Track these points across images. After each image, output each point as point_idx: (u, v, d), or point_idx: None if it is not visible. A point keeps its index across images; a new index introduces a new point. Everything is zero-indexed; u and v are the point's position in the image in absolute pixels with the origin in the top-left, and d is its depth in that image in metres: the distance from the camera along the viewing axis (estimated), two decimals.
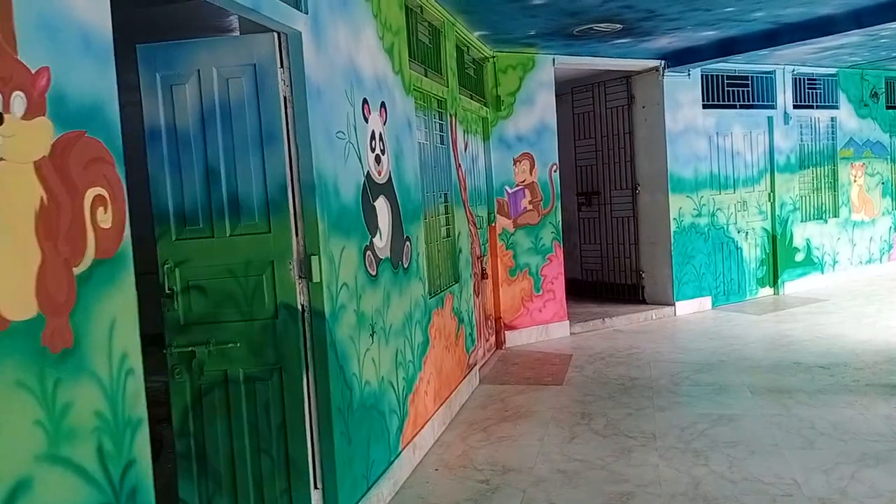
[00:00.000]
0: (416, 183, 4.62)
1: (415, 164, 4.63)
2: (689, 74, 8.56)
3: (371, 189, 3.83)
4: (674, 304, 8.60)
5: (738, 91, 9.12)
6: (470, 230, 6.27)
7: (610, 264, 9.32)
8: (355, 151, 3.65)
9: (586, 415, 5.07)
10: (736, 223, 9.20)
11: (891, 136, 10.81)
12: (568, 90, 9.50)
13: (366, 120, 3.81)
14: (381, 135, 4.02)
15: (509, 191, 7.36)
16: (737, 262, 9.24)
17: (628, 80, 8.79)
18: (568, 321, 7.80)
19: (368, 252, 3.74)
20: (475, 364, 6.02)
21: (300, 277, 3.26)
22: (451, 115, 5.63)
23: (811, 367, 5.96)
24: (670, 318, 8.45)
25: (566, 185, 9.45)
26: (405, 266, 4.31)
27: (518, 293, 7.44)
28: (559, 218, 7.67)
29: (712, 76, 8.88)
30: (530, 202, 7.48)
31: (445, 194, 5.53)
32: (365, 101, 3.81)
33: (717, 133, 9.03)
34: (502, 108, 7.27)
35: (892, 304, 8.40)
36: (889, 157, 10.81)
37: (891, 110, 10.78)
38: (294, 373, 3.29)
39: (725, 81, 9.00)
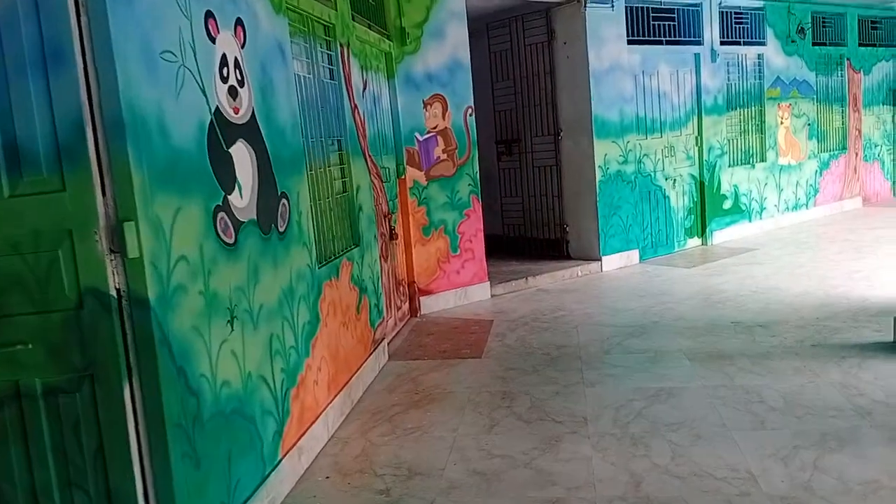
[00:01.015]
0: (294, 126, 3.73)
1: (292, 102, 3.73)
2: (612, 6, 7.83)
3: (223, 131, 2.93)
4: (600, 259, 8.02)
5: (663, 26, 8.47)
6: (373, 183, 5.42)
7: (533, 218, 8.64)
8: (195, 80, 2.73)
9: (508, 395, 4.38)
10: (663, 170, 8.65)
11: (817, 75, 10.45)
12: (483, 27, 8.64)
13: (212, 40, 2.89)
14: (237, 61, 3.10)
15: (420, 138, 6.52)
16: (664, 212, 8.72)
17: (548, 14, 8.00)
18: (489, 282, 7.10)
19: (221, 214, 2.86)
20: (383, 338, 5.24)
21: (112, 252, 2.37)
22: (342, 45, 4.72)
23: (750, 326, 5.45)
24: (597, 275, 7.87)
25: (484, 132, 8.66)
26: (281, 230, 3.45)
27: (433, 254, 6.66)
28: (476, 168, 6.89)
29: (637, 9, 8.18)
30: (444, 151, 6.66)
31: (339, 141, 4.65)
32: (210, 16, 2.88)
33: (643, 72, 8.38)
34: (408, 41, 6.36)
35: (823, 253, 8.05)
36: (815, 96, 10.46)
37: (817, 47, 10.40)
38: (110, 381, 2.42)
39: (651, 15, 8.33)
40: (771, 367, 4.51)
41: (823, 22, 10.51)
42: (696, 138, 8.95)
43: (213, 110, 2.86)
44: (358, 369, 4.53)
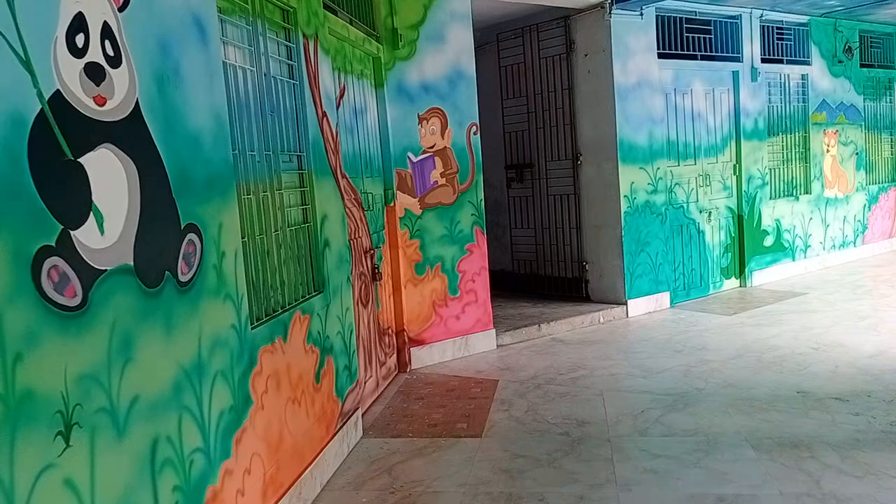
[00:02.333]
0: (218, 132, 2.68)
1: (215, 100, 2.68)
2: (641, 14, 6.81)
3: (68, 129, 1.87)
4: (625, 303, 6.89)
5: (698, 39, 7.43)
6: (349, 212, 4.37)
7: (547, 254, 7.54)
8: (7, 45, 1.68)
9: (514, 500, 3.25)
10: (697, 201, 7.55)
11: (864, 99, 9.35)
12: (493, 38, 7.64)
13: None
14: (109, 29, 2.06)
15: (414, 159, 5.47)
16: (698, 249, 7.61)
17: (567, 23, 6.99)
18: (494, 330, 5.98)
19: (54, 261, 1.79)
20: (356, 409, 4.14)
21: None
22: (306, 38, 3.69)
23: (822, 399, 4.30)
24: (622, 322, 6.74)
25: (493, 156, 7.62)
26: (183, 279, 2.38)
27: (428, 296, 5.58)
28: (481, 196, 5.82)
29: (669, 18, 7.16)
30: (443, 174, 5.61)
31: (298, 157, 3.60)
32: None
33: (675, 90, 7.33)
34: (401, 45, 5.34)
35: (886, 300, 6.89)
36: (863, 123, 9.36)
37: (865, 69, 9.31)
38: None
39: (684, 26, 7.29)
40: (867, 464, 3.36)
41: (871, 42, 9.45)
42: (735, 166, 7.86)
43: (47, 96, 1.80)
44: (314, 459, 3.42)
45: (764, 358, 5.25)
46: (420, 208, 5.51)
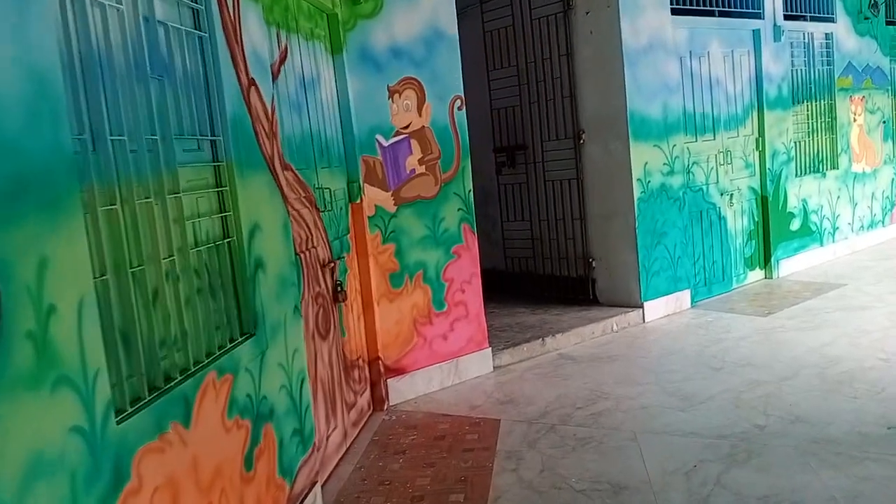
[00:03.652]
0: (34, 103, 1.57)
1: (28, 48, 1.57)
2: None
3: None
4: (641, 306, 5.85)
5: None
6: (296, 216, 3.27)
7: (545, 250, 6.47)
8: None
9: None
10: (717, 182, 6.51)
11: (891, 61, 8.34)
12: (476, 1, 6.52)
13: None
14: None
15: (384, 142, 4.37)
16: (720, 238, 6.58)
17: None
18: (489, 349, 4.92)
19: None
20: (313, 484, 3.05)
21: None
22: None
23: None
24: (639, 329, 5.70)
25: (479, 137, 6.52)
26: None
27: (408, 314, 4.49)
28: (470, 186, 4.74)
29: None
30: (421, 161, 4.51)
31: (212, 144, 2.49)
32: None
33: (691, 53, 6.26)
34: None
35: None
36: (890, 88, 8.35)
37: (891, 26, 8.29)
38: None
39: None
40: None
41: None
42: (758, 140, 6.82)
43: None
44: None
45: (827, 376, 4.23)
46: (394, 204, 4.41)
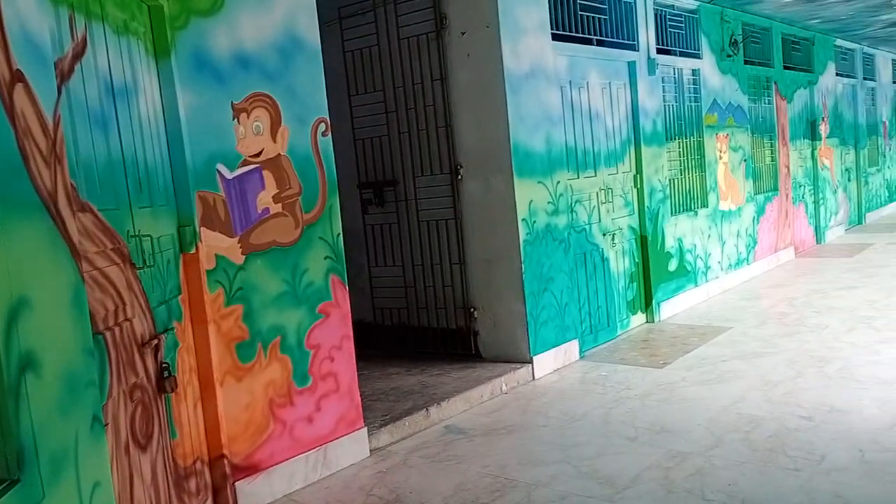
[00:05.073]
0: None
1: None
2: None
3: None
4: (530, 361, 5.19)
5: (593, 20, 5.96)
6: (96, 277, 2.26)
7: (421, 298, 5.68)
8: None
9: None
10: (600, 221, 6.06)
11: (749, 100, 8.43)
12: (333, 15, 5.71)
13: None
14: None
15: (228, 175, 3.40)
16: (604, 282, 6.11)
17: None
18: (364, 428, 4.01)
19: None
20: None
21: None
22: None
23: None
24: (530, 389, 5.02)
25: (342, 171, 5.60)
26: None
27: (261, 394, 3.50)
28: (339, 229, 3.86)
29: None
30: (277, 198, 3.58)
31: None
32: None
33: (571, 82, 5.80)
34: None
35: (827, 331, 5.70)
36: (749, 126, 8.43)
37: (749, 66, 8.40)
38: None
39: (578, 4, 5.78)
40: None
41: (753, 37, 8.59)
42: (635, 177, 6.47)
43: None
44: None
45: (754, 442, 3.71)
46: (242, 254, 3.44)
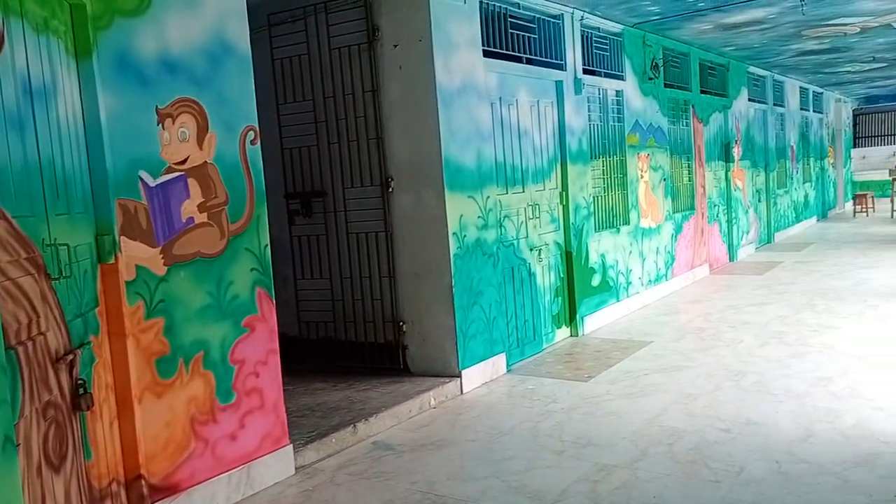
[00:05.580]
0: None
1: None
2: None
3: None
4: (459, 375, 5.19)
5: (523, 39, 6.05)
6: (9, 289, 2.11)
7: (349, 312, 5.60)
8: None
9: None
10: (527, 236, 6.13)
11: (668, 122, 8.73)
12: (262, 22, 5.60)
13: None
14: None
15: (151, 182, 3.26)
16: (531, 296, 6.18)
17: (368, 2, 5.19)
18: (290, 446, 3.90)
19: None
20: None
21: None
22: None
23: None
24: (458, 403, 5.01)
25: (268, 181, 5.48)
26: None
27: (182, 411, 3.35)
28: (266, 240, 3.76)
29: (493, 8, 5.69)
30: (202, 207, 3.46)
31: None
32: None
33: (501, 99, 5.86)
34: None
35: (742, 346, 5.94)
36: (668, 147, 8.73)
37: (669, 89, 8.71)
38: None
39: (509, 21, 5.87)
40: None
41: (673, 62, 8.91)
42: (561, 194, 6.59)
43: None
44: None
45: (677, 454, 3.81)
46: (164, 264, 3.30)
